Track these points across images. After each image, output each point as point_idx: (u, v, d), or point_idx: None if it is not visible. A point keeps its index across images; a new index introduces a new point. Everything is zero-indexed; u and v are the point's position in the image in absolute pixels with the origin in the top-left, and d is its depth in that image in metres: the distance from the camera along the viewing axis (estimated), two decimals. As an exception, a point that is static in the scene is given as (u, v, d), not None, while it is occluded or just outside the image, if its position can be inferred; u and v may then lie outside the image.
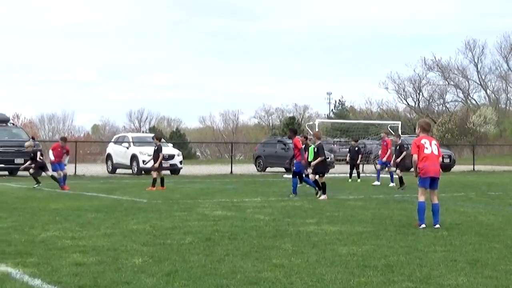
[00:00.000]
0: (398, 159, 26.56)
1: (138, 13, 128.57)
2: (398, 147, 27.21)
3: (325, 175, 21.25)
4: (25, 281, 8.10)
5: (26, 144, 28.29)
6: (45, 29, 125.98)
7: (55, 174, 25.81)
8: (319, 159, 20.79)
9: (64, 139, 27.64)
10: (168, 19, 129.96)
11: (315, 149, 21.20)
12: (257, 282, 8.02)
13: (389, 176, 28.74)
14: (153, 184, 24.62)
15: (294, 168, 22.65)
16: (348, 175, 32.70)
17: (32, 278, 8.27)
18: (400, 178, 26.00)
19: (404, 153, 26.51)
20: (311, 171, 21.13)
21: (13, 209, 17.01)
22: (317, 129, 38.18)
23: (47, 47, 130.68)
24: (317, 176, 20.87)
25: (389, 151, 28.76)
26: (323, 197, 20.29)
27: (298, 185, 22.55)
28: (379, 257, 9.76)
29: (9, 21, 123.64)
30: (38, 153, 26.32)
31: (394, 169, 27.25)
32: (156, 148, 25.63)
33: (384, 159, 29.00)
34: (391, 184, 27.64)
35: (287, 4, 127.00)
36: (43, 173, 26.71)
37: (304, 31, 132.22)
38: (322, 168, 21.04)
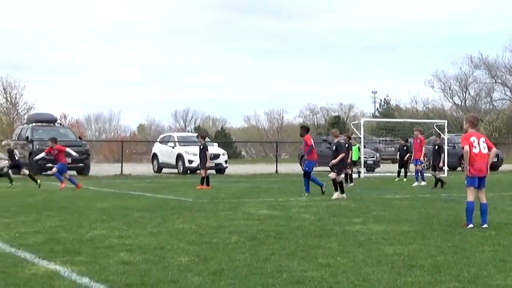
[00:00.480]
0: (441, 163, 25.98)
1: (183, 13, 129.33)
2: (437, 147, 26.82)
3: (341, 174, 21.11)
4: (73, 279, 8.19)
5: (3, 143, 28.37)
6: (90, 30, 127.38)
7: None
8: (340, 156, 20.54)
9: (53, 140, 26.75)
10: (213, 20, 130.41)
11: (334, 147, 21.07)
12: (303, 282, 8.01)
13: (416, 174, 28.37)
14: (202, 183, 24.75)
15: (306, 168, 22.60)
16: (396, 174, 32.44)
17: (80, 276, 8.36)
18: (439, 180, 25.55)
19: (442, 154, 25.97)
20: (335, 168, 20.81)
21: (61, 208, 17.22)
22: (362, 129, 38.03)
23: (92, 48, 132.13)
24: (333, 174, 20.57)
25: (423, 149, 28.50)
26: (336, 195, 20.08)
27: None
28: (426, 257, 9.69)
29: (55, 23, 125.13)
30: (16, 151, 26.41)
31: (426, 168, 26.79)
32: (202, 147, 25.70)
33: (421, 158, 28.63)
34: (423, 183, 27.18)
35: (332, 3, 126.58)
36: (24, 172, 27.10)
37: (349, 31, 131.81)
38: (339, 166, 20.78)
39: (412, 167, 30.20)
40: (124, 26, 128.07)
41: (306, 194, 21.71)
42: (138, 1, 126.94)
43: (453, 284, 7.91)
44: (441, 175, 26.47)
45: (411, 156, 29.68)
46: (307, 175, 22.46)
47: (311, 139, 23.18)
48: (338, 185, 20.35)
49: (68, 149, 26.47)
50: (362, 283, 7.95)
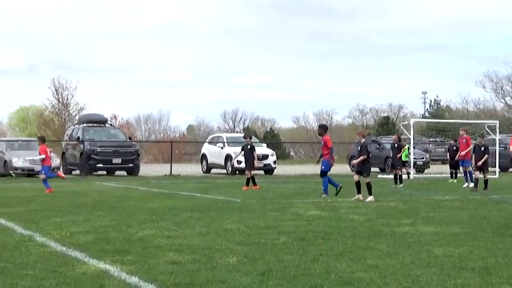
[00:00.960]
0: (480, 162, 25.60)
1: (231, 14, 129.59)
2: (482, 149, 26.39)
3: (370, 175, 20.51)
4: (123, 279, 8.25)
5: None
6: (139, 31, 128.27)
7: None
8: (361, 157, 20.03)
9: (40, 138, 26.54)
10: (262, 20, 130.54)
11: (359, 147, 20.74)
12: (351, 283, 7.98)
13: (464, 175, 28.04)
14: (247, 184, 24.79)
15: (323, 167, 21.77)
16: (448, 175, 32.19)
17: (129, 275, 8.42)
18: (484, 181, 25.15)
19: (486, 156, 25.57)
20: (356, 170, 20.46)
21: (111, 208, 17.39)
22: (411, 129, 37.72)
23: (141, 49, 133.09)
24: (356, 176, 20.21)
25: (469, 147, 28.10)
26: (369, 198, 19.57)
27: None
28: (476, 259, 9.58)
29: (106, 24, 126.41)
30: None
31: (473, 170, 26.30)
32: (249, 147, 25.63)
33: (463, 153, 28.23)
34: (470, 185, 26.80)
35: (381, 3, 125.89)
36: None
37: (398, 30, 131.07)
38: (366, 167, 20.34)
39: (461, 168, 29.84)
40: (174, 27, 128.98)
41: (324, 195, 21.27)
42: (187, 2, 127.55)
43: (504, 286, 7.81)
44: (488, 176, 26.04)
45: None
46: (324, 174, 21.78)
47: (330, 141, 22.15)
48: (367, 187, 19.81)
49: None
50: (411, 285, 7.89)
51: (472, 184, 26.46)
